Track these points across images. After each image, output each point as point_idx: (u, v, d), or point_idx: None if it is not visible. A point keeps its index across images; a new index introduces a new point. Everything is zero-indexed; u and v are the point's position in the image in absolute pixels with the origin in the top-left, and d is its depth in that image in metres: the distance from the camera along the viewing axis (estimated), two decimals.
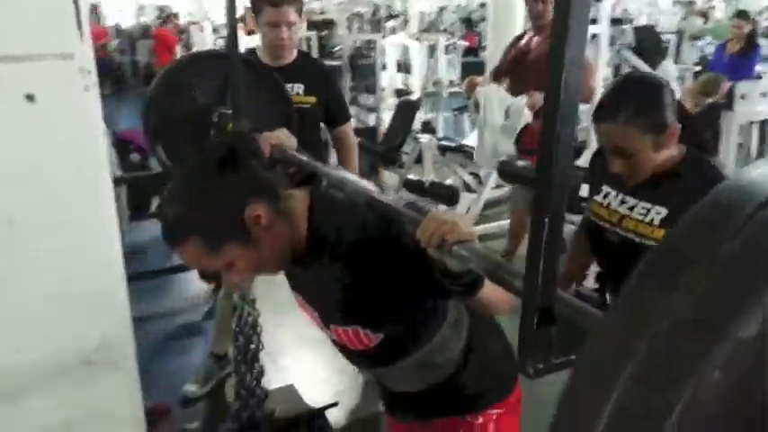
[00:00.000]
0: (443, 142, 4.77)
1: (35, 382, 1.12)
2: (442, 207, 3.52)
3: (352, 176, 1.10)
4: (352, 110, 6.28)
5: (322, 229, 1.07)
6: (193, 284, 3.44)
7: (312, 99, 2.34)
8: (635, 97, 1.44)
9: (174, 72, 1.86)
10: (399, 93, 6.79)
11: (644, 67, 4.30)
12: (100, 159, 1.20)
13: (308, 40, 7.24)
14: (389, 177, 4.93)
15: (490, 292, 0.94)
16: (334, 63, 6.62)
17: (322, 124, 2.47)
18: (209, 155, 1.07)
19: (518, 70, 3.30)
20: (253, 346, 2.11)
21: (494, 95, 3.30)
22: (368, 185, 1.02)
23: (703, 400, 0.34)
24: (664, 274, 0.37)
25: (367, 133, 5.51)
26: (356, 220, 1.04)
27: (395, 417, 1.37)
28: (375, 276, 1.03)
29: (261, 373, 2.12)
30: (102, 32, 11.36)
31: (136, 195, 4.25)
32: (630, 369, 0.35)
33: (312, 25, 7.70)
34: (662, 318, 0.35)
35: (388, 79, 6.96)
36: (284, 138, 1.33)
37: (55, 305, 1.13)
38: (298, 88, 2.30)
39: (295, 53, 2.38)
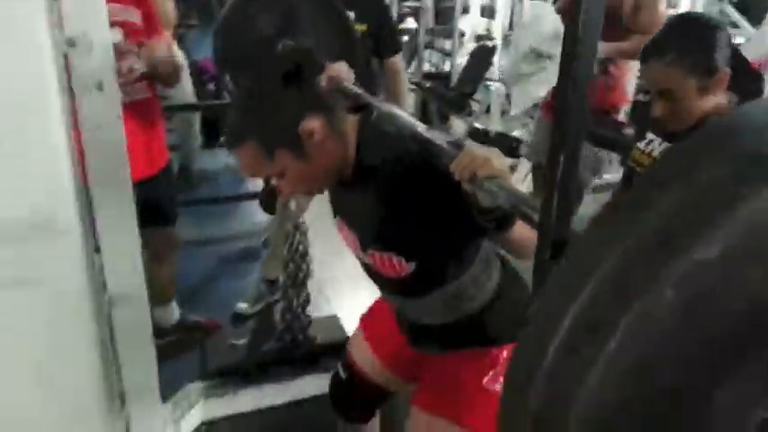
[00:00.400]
0: None
1: None
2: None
3: (401, 111, 1.12)
4: (427, 54, 6.14)
5: (369, 155, 1.12)
6: (260, 212, 3.57)
7: (363, 27, 2.29)
8: (685, 37, 1.37)
9: (241, 3, 1.86)
10: (480, 38, 6.57)
11: (742, 23, 3.95)
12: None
13: None
14: (458, 125, 4.84)
15: (521, 230, 1.01)
16: (416, 4, 6.44)
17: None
18: (273, 68, 1.10)
19: None
20: (301, 274, 2.19)
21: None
22: (415, 121, 1.04)
23: (658, 316, 0.33)
24: (640, 194, 0.37)
25: (441, 79, 5.41)
26: (402, 149, 1.08)
27: (418, 349, 1.39)
28: (415, 204, 1.08)
29: (307, 300, 2.21)
30: None
31: (209, 123, 4.37)
32: (590, 284, 0.36)
33: None
34: (627, 235, 0.35)
35: (471, 24, 6.73)
36: (343, 71, 1.35)
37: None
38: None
39: None
